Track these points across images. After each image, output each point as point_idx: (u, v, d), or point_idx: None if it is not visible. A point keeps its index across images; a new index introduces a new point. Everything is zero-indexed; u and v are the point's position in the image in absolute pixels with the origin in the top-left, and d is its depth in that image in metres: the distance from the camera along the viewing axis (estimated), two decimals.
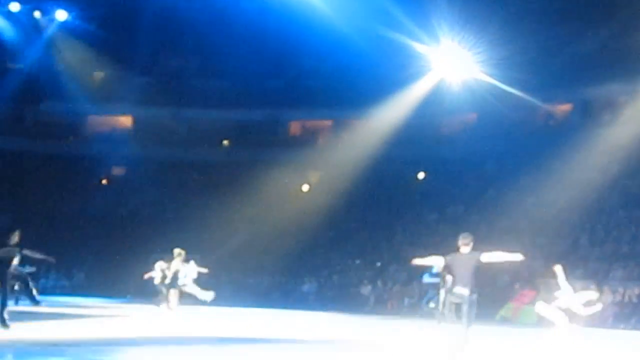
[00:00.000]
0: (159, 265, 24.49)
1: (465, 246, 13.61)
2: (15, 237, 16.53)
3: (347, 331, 22.00)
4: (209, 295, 23.04)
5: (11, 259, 16.22)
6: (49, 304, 26.82)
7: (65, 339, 15.59)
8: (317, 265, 40.35)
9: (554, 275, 17.06)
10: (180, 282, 23.28)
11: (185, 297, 23.68)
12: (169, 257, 23.48)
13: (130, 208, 41.92)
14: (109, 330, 18.59)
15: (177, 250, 23.25)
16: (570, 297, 16.43)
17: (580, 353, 16.20)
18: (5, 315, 15.84)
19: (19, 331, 15.77)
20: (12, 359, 12.14)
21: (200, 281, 28.26)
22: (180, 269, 23.01)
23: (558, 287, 17.00)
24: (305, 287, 38.92)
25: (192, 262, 24.96)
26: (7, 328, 15.63)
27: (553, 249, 32.28)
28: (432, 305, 23.08)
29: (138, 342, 15.90)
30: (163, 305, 24.58)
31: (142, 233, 38.03)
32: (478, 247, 14.92)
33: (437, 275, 21.48)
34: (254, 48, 45.85)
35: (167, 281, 23.36)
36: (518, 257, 14.61)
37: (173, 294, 23.02)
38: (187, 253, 23.06)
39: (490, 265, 14.33)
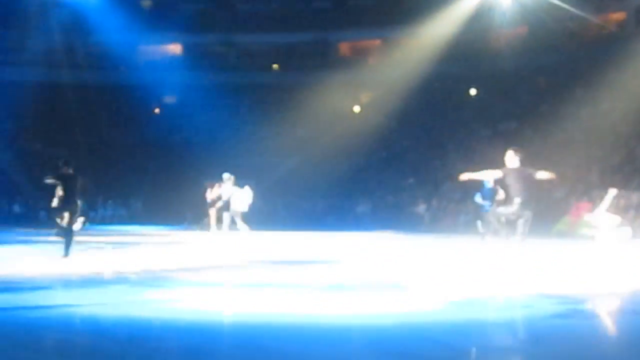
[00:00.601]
0: (213, 189, 24.81)
1: (514, 161, 13.58)
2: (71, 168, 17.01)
3: (401, 249, 22.19)
4: (246, 229, 23.07)
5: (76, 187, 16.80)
6: (109, 233, 27.45)
7: (125, 268, 15.90)
8: (370, 187, 40.60)
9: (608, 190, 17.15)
10: (234, 206, 23.57)
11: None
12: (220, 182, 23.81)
13: (183, 135, 42.30)
14: (167, 257, 18.82)
15: (226, 175, 23.51)
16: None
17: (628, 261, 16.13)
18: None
19: (79, 261, 16.12)
20: (76, 288, 12.41)
21: (255, 206, 28.61)
22: (233, 193, 23.28)
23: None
24: (360, 209, 39.19)
25: (246, 187, 25.18)
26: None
27: (608, 160, 32.00)
28: (480, 224, 23.18)
29: (195, 268, 16.15)
30: (212, 229, 24.96)
31: (195, 160, 38.43)
32: (533, 161, 14.88)
33: (489, 192, 21.50)
34: None
35: (220, 205, 23.59)
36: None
37: (226, 217, 23.39)
38: (239, 178, 23.30)
39: (543, 180, 14.29)
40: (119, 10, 45.74)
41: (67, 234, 16.48)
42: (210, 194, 25.71)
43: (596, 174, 31.35)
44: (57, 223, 16.71)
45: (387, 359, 7.11)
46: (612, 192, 16.94)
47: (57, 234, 16.60)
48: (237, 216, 23.41)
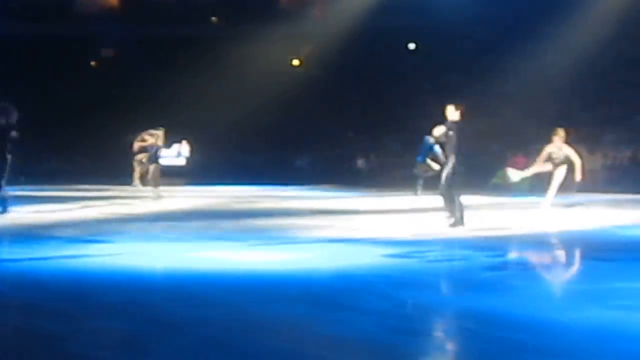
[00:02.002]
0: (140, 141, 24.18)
1: (455, 114, 13.69)
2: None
3: (338, 203, 22.29)
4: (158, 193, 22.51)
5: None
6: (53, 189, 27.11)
7: (65, 222, 15.79)
8: (310, 140, 40.55)
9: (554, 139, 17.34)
10: (164, 160, 23.30)
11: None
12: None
13: (122, 89, 41.68)
14: (106, 211, 18.70)
15: (161, 130, 23.01)
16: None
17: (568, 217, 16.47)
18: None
19: (18, 215, 15.97)
20: (14, 243, 12.40)
21: (194, 160, 28.59)
22: (160, 146, 22.81)
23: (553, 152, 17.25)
24: (298, 162, 39.22)
25: (184, 141, 25.08)
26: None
27: (545, 114, 32.36)
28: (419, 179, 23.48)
29: (130, 221, 16.12)
30: (136, 182, 24.58)
31: (134, 113, 37.99)
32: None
33: (431, 150, 21.74)
34: None
35: (148, 158, 23.23)
36: None
37: (154, 169, 22.74)
38: (178, 132, 22.93)
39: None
40: None
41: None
42: (136, 146, 25.22)
43: (533, 128, 31.74)
44: None
45: (326, 311, 7.25)
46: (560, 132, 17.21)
47: None
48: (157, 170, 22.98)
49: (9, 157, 16.44)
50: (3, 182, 16.13)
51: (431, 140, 20.97)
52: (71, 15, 46.72)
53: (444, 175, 13.81)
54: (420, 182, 23.24)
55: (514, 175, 18.73)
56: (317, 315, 7.01)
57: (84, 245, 11.83)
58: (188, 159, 27.54)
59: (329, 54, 43.95)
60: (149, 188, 23.16)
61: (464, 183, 13.93)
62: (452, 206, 13.68)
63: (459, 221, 13.55)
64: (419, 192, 23.26)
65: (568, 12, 37.70)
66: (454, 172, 13.53)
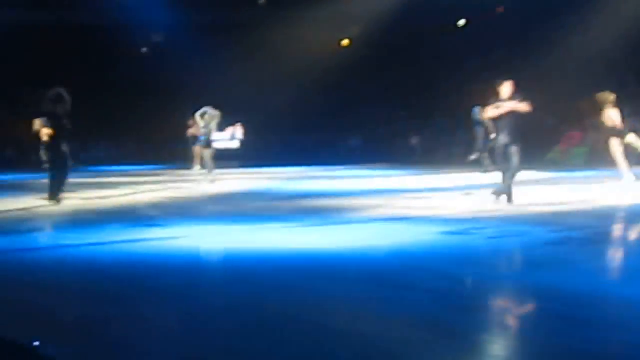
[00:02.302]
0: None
1: (505, 90, 13.54)
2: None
3: (394, 182, 22.25)
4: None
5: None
6: (101, 174, 27.40)
7: (121, 207, 15.94)
8: (362, 120, 40.59)
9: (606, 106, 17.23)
10: (218, 143, 23.35)
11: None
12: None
13: (172, 74, 41.92)
14: (161, 196, 18.83)
15: (201, 111, 22.66)
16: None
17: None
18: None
19: (75, 201, 16.13)
20: (73, 228, 12.40)
21: (248, 142, 28.66)
22: (211, 129, 22.59)
23: (606, 125, 17.09)
24: (352, 142, 39.24)
25: (238, 124, 25.13)
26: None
27: (600, 89, 31.90)
28: (474, 156, 23.26)
29: (188, 206, 16.21)
30: (195, 167, 24.66)
31: (184, 99, 38.21)
32: (523, 91, 14.85)
33: (479, 123, 21.55)
34: None
35: (202, 142, 22.91)
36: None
37: (208, 153, 22.47)
38: (230, 115, 22.83)
39: (535, 108, 14.26)
40: None
41: (54, 175, 16.38)
42: (191, 131, 25.30)
43: (588, 103, 31.33)
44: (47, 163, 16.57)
45: (384, 290, 7.22)
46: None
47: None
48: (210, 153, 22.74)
49: (64, 144, 16.65)
50: (64, 169, 16.32)
51: (478, 114, 20.83)
52: (121, 3, 47.03)
53: (501, 151, 13.68)
54: (486, 158, 22.95)
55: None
56: (376, 295, 7.04)
57: (142, 229, 11.95)
58: (242, 142, 27.63)
59: (379, 34, 43.84)
60: (205, 171, 23.11)
61: (521, 159, 13.78)
62: (506, 182, 13.60)
63: (509, 197, 13.46)
64: (487, 168, 22.91)
65: None
66: (510, 147, 13.41)
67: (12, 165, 33.42)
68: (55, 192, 16.01)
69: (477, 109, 21.72)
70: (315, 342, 5.52)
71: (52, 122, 16.28)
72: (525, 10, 41.10)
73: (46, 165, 16.41)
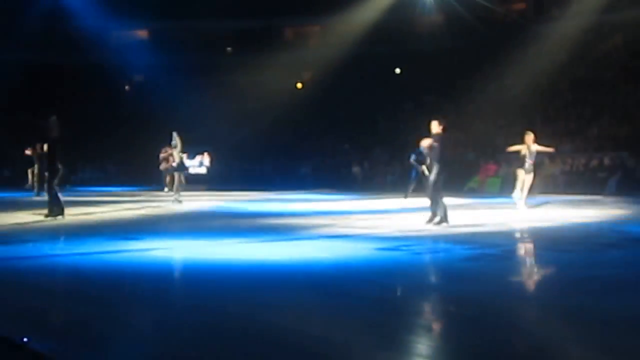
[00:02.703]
0: (167, 151, 23.74)
1: (438, 127, 13.73)
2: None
3: (329, 204, 22.26)
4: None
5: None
6: (88, 194, 27.03)
7: (103, 222, 15.79)
8: (311, 152, 40.65)
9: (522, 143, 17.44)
10: (189, 169, 23.13)
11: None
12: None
13: (150, 109, 41.65)
14: (137, 213, 18.68)
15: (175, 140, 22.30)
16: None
17: (535, 215, 16.46)
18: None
19: (68, 217, 15.91)
20: (59, 240, 12.40)
21: (213, 169, 28.54)
22: (181, 155, 22.32)
23: (520, 158, 17.30)
24: (302, 170, 39.25)
25: (205, 153, 24.98)
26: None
27: (512, 128, 32.40)
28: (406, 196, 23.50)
29: (161, 221, 16.09)
30: (166, 188, 24.26)
31: (160, 130, 37.98)
32: (450, 130, 15.07)
33: (420, 154, 21.70)
34: None
35: (174, 166, 22.58)
36: None
37: (178, 178, 22.26)
38: (199, 145, 22.64)
39: (457, 144, 14.46)
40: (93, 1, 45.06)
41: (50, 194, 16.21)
42: (162, 156, 24.93)
43: (501, 140, 31.73)
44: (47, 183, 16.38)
45: (326, 296, 7.25)
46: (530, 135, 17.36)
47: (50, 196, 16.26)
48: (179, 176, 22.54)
49: (59, 165, 16.52)
50: (53, 185, 16.11)
51: (423, 150, 20.98)
52: (109, 46, 46.87)
53: (430, 180, 13.84)
54: (411, 186, 23.23)
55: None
56: (319, 300, 7.04)
57: (121, 242, 11.84)
58: (208, 168, 27.48)
59: (327, 78, 44.18)
60: (172, 192, 22.92)
61: (445, 186, 13.95)
62: (437, 206, 13.71)
63: (444, 219, 13.60)
64: (407, 194, 23.28)
65: (529, 41, 37.99)
66: (438, 177, 13.56)
67: (8, 184, 32.87)
68: (53, 208, 15.83)
69: (412, 155, 22.06)
70: (266, 337, 5.54)
71: (51, 146, 16.17)
72: (452, 62, 41.69)
73: (47, 185, 16.25)
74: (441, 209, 13.76)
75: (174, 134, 21.71)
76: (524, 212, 17.00)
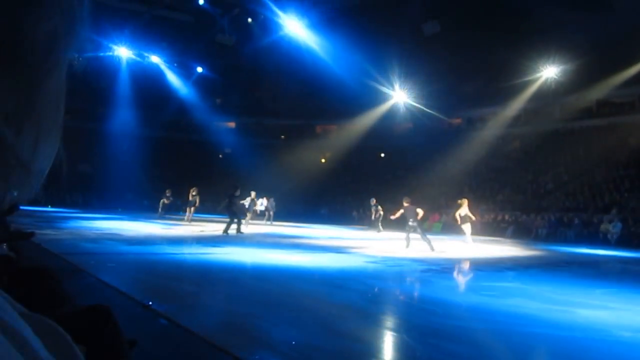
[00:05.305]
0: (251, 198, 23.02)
1: (406, 203, 14.04)
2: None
3: (341, 233, 22.24)
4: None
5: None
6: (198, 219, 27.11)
7: (200, 234, 15.65)
8: (328, 200, 40.62)
9: (457, 206, 16.90)
10: (257, 208, 23.01)
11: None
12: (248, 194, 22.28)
13: (235, 171, 41.97)
14: (220, 230, 18.56)
15: (252, 193, 22.47)
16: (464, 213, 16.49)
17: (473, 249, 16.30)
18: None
19: (183, 229, 15.85)
20: (171, 243, 12.25)
21: (270, 208, 28.33)
22: (253, 201, 22.12)
23: (461, 213, 16.65)
24: (322, 211, 39.14)
25: (264, 198, 24.82)
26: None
27: (450, 194, 32.34)
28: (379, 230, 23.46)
29: (232, 240, 16.11)
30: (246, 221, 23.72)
31: (241, 184, 38.18)
32: (412, 196, 15.14)
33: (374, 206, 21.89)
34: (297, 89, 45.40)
35: (247, 207, 21.71)
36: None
37: (248, 215, 21.21)
38: (262, 191, 22.43)
39: (416, 203, 14.50)
40: (201, 103, 45.82)
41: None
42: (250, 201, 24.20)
43: (443, 201, 31.58)
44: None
45: (329, 288, 7.28)
46: (464, 201, 16.76)
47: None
48: (250, 214, 21.76)
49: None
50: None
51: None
52: (211, 130, 47.23)
53: (410, 226, 14.09)
54: (379, 226, 23.40)
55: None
56: (326, 290, 7.05)
57: (209, 247, 11.81)
58: (266, 207, 27.38)
59: (340, 157, 44.41)
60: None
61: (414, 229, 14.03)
62: (408, 239, 13.87)
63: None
64: (380, 230, 23.29)
65: (463, 143, 38.10)
66: (417, 230, 13.82)
67: (147, 209, 32.81)
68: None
69: (371, 200, 22.35)
70: (294, 305, 5.59)
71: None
72: (415, 151, 41.64)
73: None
74: (408, 240, 13.93)
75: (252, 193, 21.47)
76: (466, 246, 16.44)
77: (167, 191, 25.77)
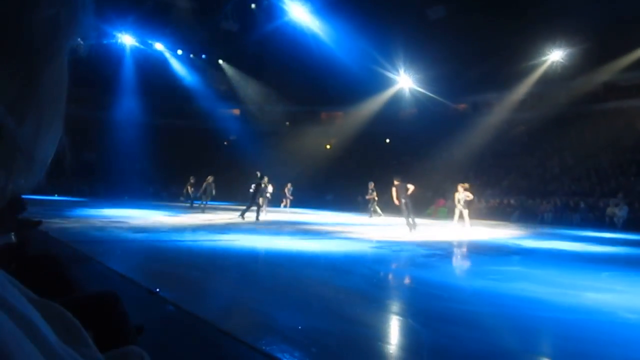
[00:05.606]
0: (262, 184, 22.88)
1: (397, 181, 14.14)
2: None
3: (344, 218, 22.27)
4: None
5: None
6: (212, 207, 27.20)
7: (207, 222, 15.69)
8: (333, 186, 40.64)
9: (458, 190, 16.90)
10: (266, 194, 23.03)
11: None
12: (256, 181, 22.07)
13: (239, 158, 41.95)
14: (231, 218, 18.63)
15: (265, 179, 21.34)
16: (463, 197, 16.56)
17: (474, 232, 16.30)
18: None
19: (193, 218, 15.94)
20: (181, 231, 12.30)
21: (275, 195, 28.43)
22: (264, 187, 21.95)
23: (461, 196, 16.81)
24: (328, 197, 39.18)
25: (270, 185, 24.79)
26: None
27: (455, 179, 32.18)
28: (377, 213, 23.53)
29: (242, 226, 16.14)
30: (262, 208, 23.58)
31: (246, 172, 38.31)
32: (416, 178, 15.13)
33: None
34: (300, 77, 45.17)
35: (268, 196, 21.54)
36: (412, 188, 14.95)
37: (261, 200, 20.61)
38: (267, 178, 22.00)
39: (420, 187, 14.50)
40: (209, 92, 45.81)
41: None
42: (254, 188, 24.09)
43: (448, 185, 31.53)
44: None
45: (336, 272, 7.31)
46: (464, 185, 16.71)
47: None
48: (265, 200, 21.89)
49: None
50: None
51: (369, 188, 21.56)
52: (216, 117, 47.25)
53: (407, 208, 14.04)
54: (371, 211, 23.53)
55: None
56: (332, 275, 7.08)
57: (217, 234, 11.90)
58: (272, 194, 27.42)
59: (345, 143, 44.31)
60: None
61: (414, 212, 14.00)
62: (409, 222, 13.85)
63: (413, 228, 13.70)
64: (371, 215, 23.39)
65: (468, 127, 37.90)
66: (408, 206, 13.71)
67: (154, 198, 32.89)
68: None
69: (370, 183, 22.42)
70: (303, 288, 5.62)
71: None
72: (420, 137, 41.51)
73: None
74: (412, 224, 13.90)
75: (258, 173, 20.73)
76: (462, 230, 16.75)
77: (191, 178, 25.96)
